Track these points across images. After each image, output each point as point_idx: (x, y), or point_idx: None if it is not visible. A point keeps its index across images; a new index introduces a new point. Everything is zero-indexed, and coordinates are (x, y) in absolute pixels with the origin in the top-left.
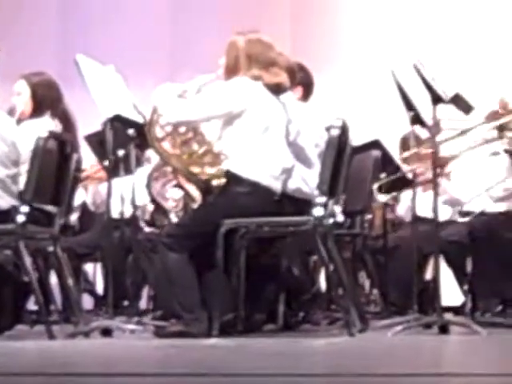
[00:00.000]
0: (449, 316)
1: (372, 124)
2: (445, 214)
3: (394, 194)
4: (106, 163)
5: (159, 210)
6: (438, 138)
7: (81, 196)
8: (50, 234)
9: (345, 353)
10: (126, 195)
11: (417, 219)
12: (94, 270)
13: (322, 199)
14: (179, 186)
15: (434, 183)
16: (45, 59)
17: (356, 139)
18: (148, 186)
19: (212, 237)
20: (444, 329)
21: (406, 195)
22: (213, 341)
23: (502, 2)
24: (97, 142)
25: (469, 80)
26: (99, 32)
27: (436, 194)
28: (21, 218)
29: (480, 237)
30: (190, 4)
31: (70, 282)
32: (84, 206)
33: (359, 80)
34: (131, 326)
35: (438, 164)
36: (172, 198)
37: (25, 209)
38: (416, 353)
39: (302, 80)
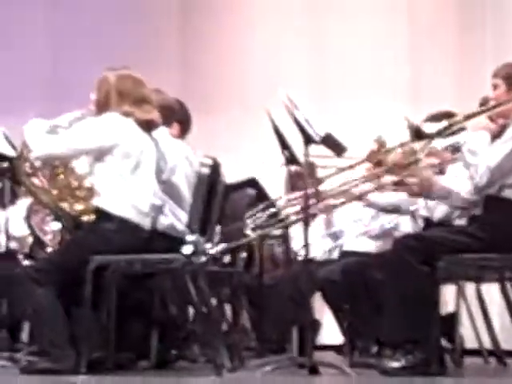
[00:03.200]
0: (327, 355)
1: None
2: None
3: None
4: None
5: (38, 242)
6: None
7: None
8: None
9: None
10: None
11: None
12: None
13: (192, 237)
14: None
15: (305, 222)
16: None
17: (232, 178)
18: (27, 218)
19: (81, 273)
20: (314, 370)
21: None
22: (80, 378)
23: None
24: None
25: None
26: None
27: (307, 232)
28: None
29: (353, 276)
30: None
31: None
32: None
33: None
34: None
35: (317, 199)
36: (51, 230)
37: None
38: None
39: (179, 117)
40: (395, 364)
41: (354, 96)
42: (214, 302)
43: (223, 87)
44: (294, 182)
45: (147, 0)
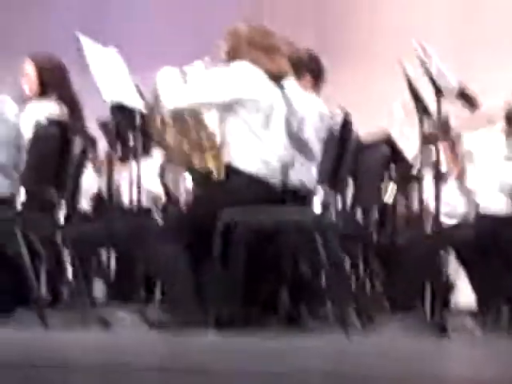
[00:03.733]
0: (461, 318)
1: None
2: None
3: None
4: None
5: (171, 200)
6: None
7: (95, 183)
8: (50, 221)
9: (341, 354)
10: (140, 183)
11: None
12: (107, 258)
13: (321, 193)
14: None
15: (436, 179)
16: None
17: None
18: (161, 176)
19: (211, 229)
20: (444, 331)
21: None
22: (209, 335)
23: None
24: (107, 128)
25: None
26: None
27: (438, 189)
28: (18, 205)
29: (486, 239)
30: None
31: (77, 269)
32: (98, 194)
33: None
34: (132, 317)
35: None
36: (184, 188)
37: (23, 195)
38: (407, 356)
39: (311, 69)
40: None
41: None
42: (345, 260)
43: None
44: (427, 140)
45: None
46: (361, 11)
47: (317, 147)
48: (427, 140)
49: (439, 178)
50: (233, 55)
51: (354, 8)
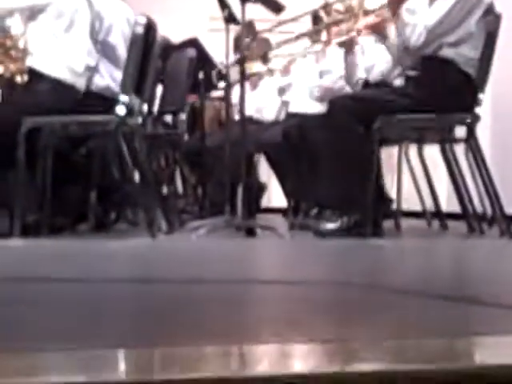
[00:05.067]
0: (273, 218)
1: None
2: (270, 112)
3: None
4: None
5: None
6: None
7: None
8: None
9: (140, 255)
10: None
11: (244, 119)
12: None
13: (125, 98)
14: None
15: (241, 83)
16: None
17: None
18: None
19: (13, 135)
20: (251, 231)
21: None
22: (14, 241)
23: None
24: None
25: None
26: None
27: (243, 91)
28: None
29: (293, 138)
30: None
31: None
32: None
33: None
34: None
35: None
36: None
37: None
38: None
39: None
40: (330, 226)
41: None
42: (154, 164)
43: None
44: (237, 44)
45: None
46: None
47: (124, 52)
48: (236, 45)
49: (243, 81)
50: None
51: None
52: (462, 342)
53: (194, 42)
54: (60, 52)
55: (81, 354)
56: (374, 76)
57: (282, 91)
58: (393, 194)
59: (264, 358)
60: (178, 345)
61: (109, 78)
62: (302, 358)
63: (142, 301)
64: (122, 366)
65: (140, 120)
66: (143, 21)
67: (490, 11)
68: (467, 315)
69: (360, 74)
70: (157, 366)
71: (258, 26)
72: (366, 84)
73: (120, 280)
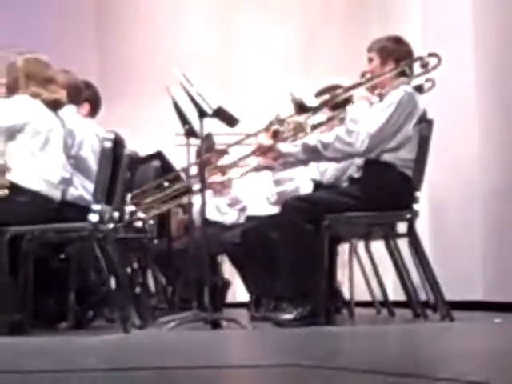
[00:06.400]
0: (237, 312)
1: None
2: (232, 216)
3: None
4: None
5: None
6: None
7: None
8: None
9: (115, 348)
10: None
11: (206, 222)
12: None
13: (97, 206)
14: None
15: (202, 190)
16: None
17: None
18: None
19: None
20: (217, 324)
21: (197, 200)
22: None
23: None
24: None
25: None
26: None
27: (204, 200)
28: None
29: (251, 238)
30: None
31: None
32: None
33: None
34: None
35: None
36: None
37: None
38: (174, 347)
39: (88, 97)
40: (287, 316)
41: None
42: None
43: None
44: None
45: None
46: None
47: (94, 165)
48: (197, 155)
49: (204, 188)
50: (13, 88)
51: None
52: None
53: (158, 155)
54: (37, 167)
55: None
56: (328, 178)
57: (277, 183)
58: (345, 286)
59: None
60: None
61: (82, 188)
62: None
63: None
64: None
65: (112, 226)
66: (111, 136)
67: (423, 118)
68: None
69: (313, 176)
70: None
71: (221, 139)
72: (318, 185)
73: (96, 369)
